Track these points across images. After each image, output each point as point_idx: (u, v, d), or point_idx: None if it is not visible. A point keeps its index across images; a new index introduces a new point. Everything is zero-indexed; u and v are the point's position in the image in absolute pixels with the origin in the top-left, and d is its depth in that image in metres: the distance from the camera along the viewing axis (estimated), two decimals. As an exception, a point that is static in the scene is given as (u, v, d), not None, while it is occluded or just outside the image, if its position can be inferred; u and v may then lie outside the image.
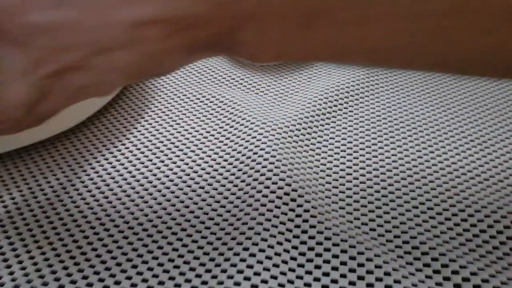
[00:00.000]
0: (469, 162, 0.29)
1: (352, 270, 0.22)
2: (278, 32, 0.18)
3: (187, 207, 0.26)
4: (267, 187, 0.26)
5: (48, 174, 0.29)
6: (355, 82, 0.38)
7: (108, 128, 0.34)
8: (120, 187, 0.28)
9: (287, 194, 0.26)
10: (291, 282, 0.21)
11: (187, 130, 0.33)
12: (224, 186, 0.28)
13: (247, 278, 0.21)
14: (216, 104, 0.35)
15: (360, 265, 0.22)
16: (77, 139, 0.33)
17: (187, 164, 0.30)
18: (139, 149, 0.31)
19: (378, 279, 0.21)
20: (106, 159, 0.30)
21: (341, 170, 0.29)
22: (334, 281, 0.21)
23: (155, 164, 0.30)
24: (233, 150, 0.30)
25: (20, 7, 0.17)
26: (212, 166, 0.29)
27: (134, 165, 0.30)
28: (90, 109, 0.34)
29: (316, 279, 0.22)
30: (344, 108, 0.35)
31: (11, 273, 0.23)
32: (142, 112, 0.35)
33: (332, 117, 0.34)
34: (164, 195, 0.27)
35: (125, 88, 0.39)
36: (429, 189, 0.27)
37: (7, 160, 0.31)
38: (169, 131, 0.33)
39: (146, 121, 0.34)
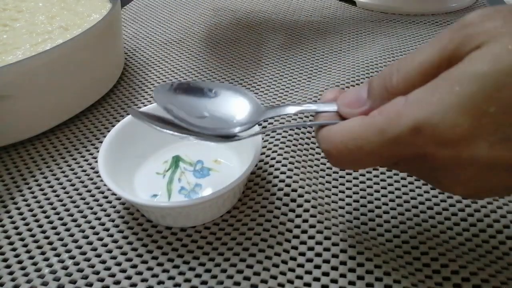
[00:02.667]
0: (469, 162, 0.29)
1: (351, 270, 0.22)
2: None
3: (186, 207, 0.26)
4: (267, 190, 0.26)
5: (45, 169, 0.29)
6: (355, 82, 0.38)
7: (108, 128, 0.34)
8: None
9: (287, 194, 0.26)
10: (290, 282, 0.21)
11: (187, 130, 0.33)
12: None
13: (246, 278, 0.21)
14: (216, 104, 0.35)
15: (360, 265, 0.22)
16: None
17: (186, 164, 0.30)
18: (139, 149, 0.31)
19: (378, 279, 0.21)
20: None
21: (341, 170, 0.29)
22: (334, 281, 0.21)
23: (154, 164, 0.30)
24: (232, 150, 0.30)
25: (463, 140, 0.15)
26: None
27: (134, 165, 0.30)
28: (83, 104, 0.34)
29: (316, 279, 0.22)
30: (344, 108, 0.35)
31: (11, 273, 0.23)
32: (142, 112, 0.35)
33: (332, 117, 0.34)
34: (163, 195, 0.27)
35: (123, 87, 0.39)
36: (428, 189, 0.27)
37: (4, 154, 0.31)
38: (169, 131, 0.33)
39: (146, 121, 0.34)
